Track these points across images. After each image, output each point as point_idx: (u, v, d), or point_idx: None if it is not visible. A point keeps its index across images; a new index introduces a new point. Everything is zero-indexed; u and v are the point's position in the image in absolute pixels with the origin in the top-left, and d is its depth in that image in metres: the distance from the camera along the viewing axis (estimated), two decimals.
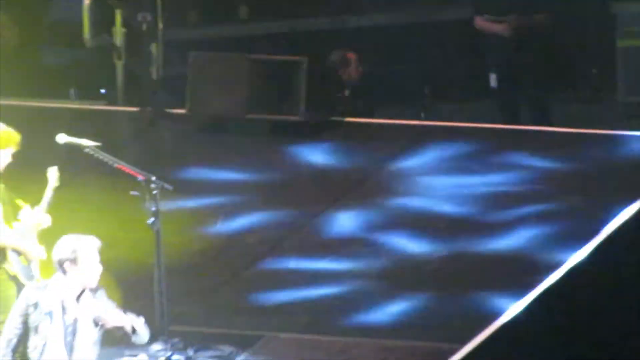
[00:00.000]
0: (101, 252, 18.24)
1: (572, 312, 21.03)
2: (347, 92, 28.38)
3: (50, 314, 17.52)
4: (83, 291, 17.33)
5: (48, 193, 19.29)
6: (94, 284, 17.47)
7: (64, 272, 17.23)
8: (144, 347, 19.45)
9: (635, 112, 31.46)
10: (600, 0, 34.15)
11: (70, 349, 17.63)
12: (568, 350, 21.09)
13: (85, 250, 17.27)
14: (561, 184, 27.69)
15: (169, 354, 20.03)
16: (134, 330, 17.27)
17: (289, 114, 27.11)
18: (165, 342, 20.09)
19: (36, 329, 17.53)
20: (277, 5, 35.17)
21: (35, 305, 17.53)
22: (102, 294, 17.61)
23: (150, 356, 20.04)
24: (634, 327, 17.70)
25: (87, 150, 19.38)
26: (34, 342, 17.46)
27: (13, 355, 17.63)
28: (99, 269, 17.34)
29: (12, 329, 17.47)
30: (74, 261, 17.28)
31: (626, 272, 22.30)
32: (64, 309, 17.52)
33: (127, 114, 28.49)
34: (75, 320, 17.34)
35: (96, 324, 17.67)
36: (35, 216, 19.13)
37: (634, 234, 23.32)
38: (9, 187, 19.33)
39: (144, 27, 29.10)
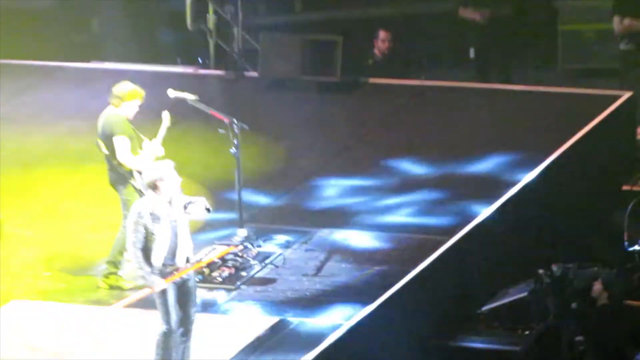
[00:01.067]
0: (200, 173, 21.49)
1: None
2: (370, 62, 28.42)
3: (159, 218, 17.50)
4: (171, 200, 17.59)
5: (162, 130, 19.04)
6: (178, 191, 17.66)
7: (155, 188, 17.20)
8: (229, 238, 19.81)
9: (571, 76, 31.17)
10: None
11: (175, 243, 17.28)
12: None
13: (167, 171, 17.06)
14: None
15: (245, 242, 19.88)
16: (207, 209, 17.16)
17: (330, 75, 27.38)
18: (245, 234, 20.22)
19: (151, 231, 17.46)
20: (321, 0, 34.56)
21: (149, 213, 17.28)
22: (182, 196, 18.62)
23: (234, 243, 19.78)
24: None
25: (189, 101, 19.79)
26: (150, 241, 17.29)
27: (141, 253, 17.06)
28: (179, 180, 17.40)
29: (135, 232, 17.13)
30: (161, 179, 17.26)
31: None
32: (167, 214, 18.17)
33: (217, 76, 28.37)
34: (175, 220, 17.44)
35: (185, 209, 19.47)
36: (153, 147, 19.03)
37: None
38: (135, 127, 19.03)
39: (229, 15, 29.25)
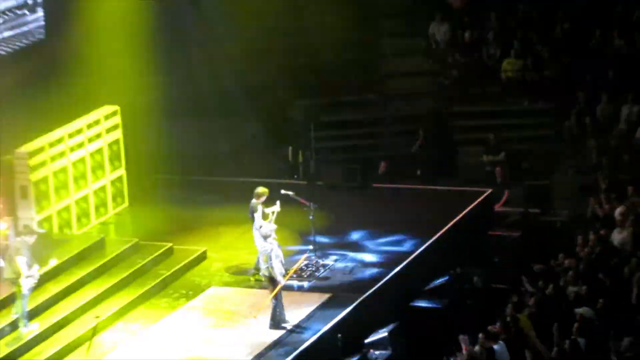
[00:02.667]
0: (295, 228, 29.90)
1: None
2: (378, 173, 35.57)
3: (275, 243, 26.24)
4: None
5: (276, 208, 26.96)
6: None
7: (270, 236, 26.41)
8: (309, 257, 29.02)
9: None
10: None
11: (280, 258, 26.11)
12: None
13: (274, 228, 26.36)
14: None
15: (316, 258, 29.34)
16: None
17: (354, 182, 34.42)
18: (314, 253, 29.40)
19: (277, 253, 26.23)
20: None
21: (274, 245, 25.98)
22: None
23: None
24: None
25: (290, 195, 28.84)
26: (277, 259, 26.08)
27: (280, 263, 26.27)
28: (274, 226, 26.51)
29: (276, 254, 25.88)
30: (272, 230, 26.14)
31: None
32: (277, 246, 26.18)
33: (303, 184, 33.52)
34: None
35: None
36: (272, 217, 26.68)
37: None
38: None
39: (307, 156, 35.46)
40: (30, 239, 25.62)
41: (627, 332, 22.90)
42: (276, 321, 26.04)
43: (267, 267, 25.95)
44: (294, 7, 35.77)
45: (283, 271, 26.04)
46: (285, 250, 27.95)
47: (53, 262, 26.18)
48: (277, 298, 25.92)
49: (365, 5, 37.40)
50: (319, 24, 35.84)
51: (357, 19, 37.25)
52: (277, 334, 25.65)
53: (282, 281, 25.88)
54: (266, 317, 26.06)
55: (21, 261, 24.73)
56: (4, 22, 31.59)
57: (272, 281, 25.94)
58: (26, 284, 24.81)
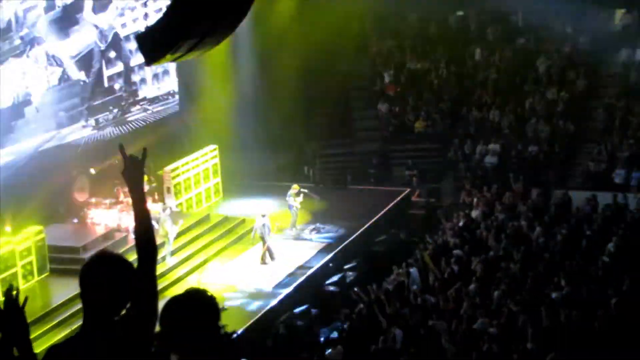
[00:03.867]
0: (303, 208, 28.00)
1: None
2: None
3: (268, 227, 25.30)
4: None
5: (299, 199, 27.02)
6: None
7: (264, 216, 25.30)
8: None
9: None
10: None
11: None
12: None
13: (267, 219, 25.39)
14: None
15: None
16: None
17: (343, 185, 32.37)
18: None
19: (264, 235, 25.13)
20: None
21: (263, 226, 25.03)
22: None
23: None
24: None
25: (307, 192, 27.92)
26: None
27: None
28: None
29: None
30: (264, 216, 25.20)
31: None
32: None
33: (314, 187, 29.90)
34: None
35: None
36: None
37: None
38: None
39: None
40: (171, 213, 25.99)
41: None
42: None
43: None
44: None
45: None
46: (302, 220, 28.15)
47: (180, 224, 26.10)
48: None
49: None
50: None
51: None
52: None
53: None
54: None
55: (168, 225, 25.23)
56: (158, 103, 31.14)
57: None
58: (170, 238, 25.32)
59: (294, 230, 27.63)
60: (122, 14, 28.97)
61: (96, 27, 28.10)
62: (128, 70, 29.53)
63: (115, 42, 28.87)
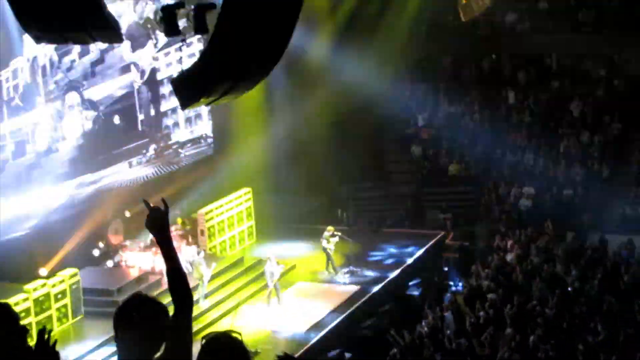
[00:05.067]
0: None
1: None
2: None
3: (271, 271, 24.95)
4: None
5: (334, 241, 27.14)
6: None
7: (271, 260, 25.10)
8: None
9: None
10: None
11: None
12: None
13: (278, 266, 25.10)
14: None
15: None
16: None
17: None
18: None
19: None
20: None
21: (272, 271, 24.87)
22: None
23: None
24: None
25: (342, 236, 27.40)
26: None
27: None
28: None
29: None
30: (270, 259, 25.15)
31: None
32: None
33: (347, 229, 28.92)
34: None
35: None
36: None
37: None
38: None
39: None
40: (205, 256, 26.19)
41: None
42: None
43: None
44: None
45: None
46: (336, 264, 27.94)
47: (213, 267, 26.20)
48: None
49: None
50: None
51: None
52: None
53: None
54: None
55: (202, 268, 25.32)
56: (190, 146, 31.35)
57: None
58: (204, 280, 25.31)
59: (331, 272, 27.56)
60: (156, 59, 29.16)
61: (130, 71, 28.33)
62: (161, 114, 29.77)
63: (149, 86, 29.09)
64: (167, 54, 29.19)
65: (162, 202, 5.65)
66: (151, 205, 5.64)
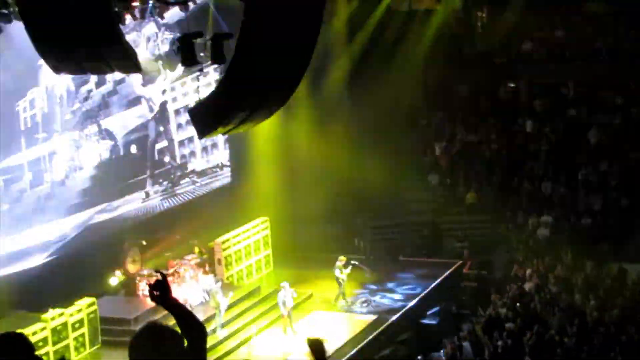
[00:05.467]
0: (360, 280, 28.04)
1: None
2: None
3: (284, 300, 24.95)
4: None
5: (346, 272, 26.75)
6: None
7: (285, 288, 25.01)
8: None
9: None
10: None
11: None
12: None
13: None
14: None
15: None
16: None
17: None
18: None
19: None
20: None
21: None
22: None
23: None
24: None
25: (356, 263, 27.31)
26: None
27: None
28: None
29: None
30: (286, 288, 25.00)
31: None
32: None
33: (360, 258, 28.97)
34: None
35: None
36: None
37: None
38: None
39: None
40: (222, 285, 26.19)
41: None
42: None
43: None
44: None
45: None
46: (352, 292, 27.94)
47: (230, 296, 26.08)
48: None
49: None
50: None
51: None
52: None
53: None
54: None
55: (219, 297, 25.22)
56: (207, 175, 31.39)
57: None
58: (221, 310, 25.23)
59: (342, 302, 27.36)
60: (173, 88, 29.29)
61: (146, 101, 28.52)
62: (178, 144, 29.88)
63: (166, 116, 29.32)
64: (183, 84, 29.28)
65: (160, 273, 5.71)
66: (158, 273, 5.73)
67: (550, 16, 34.60)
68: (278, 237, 30.33)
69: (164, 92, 29.18)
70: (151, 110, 28.90)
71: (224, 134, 10.74)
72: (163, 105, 29.29)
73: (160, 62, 28.09)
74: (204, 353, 5.34)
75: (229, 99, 9.64)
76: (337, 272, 27.11)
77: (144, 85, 28.40)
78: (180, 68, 26.90)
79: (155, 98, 28.97)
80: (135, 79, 27.47)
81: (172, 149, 29.88)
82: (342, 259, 27.26)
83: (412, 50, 33.20)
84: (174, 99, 29.42)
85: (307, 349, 5.66)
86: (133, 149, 28.22)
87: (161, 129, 29.30)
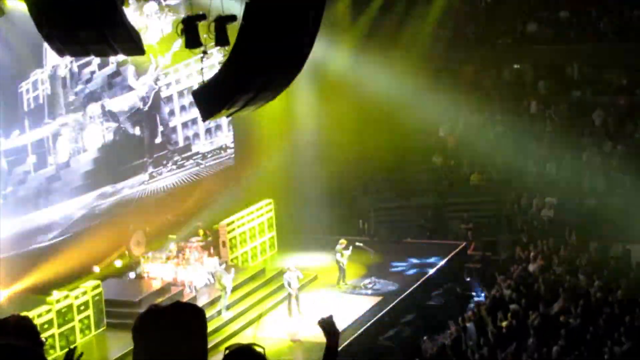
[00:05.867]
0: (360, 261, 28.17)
1: None
2: None
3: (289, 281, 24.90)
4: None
5: (347, 254, 26.44)
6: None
7: (291, 269, 24.96)
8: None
9: None
10: None
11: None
12: None
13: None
14: None
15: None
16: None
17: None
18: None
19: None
20: None
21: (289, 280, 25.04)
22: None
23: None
24: None
25: (361, 245, 27.67)
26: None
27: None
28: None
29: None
30: (290, 269, 24.89)
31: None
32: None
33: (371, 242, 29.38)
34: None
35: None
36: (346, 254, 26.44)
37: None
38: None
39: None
40: (226, 267, 26.34)
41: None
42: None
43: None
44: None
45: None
46: (356, 274, 27.91)
47: (233, 275, 25.82)
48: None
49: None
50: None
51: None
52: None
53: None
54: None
55: (224, 279, 25.23)
56: (211, 157, 31.40)
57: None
58: (226, 293, 25.25)
59: (344, 284, 27.32)
60: (176, 69, 29.15)
61: (149, 82, 28.39)
62: (181, 125, 29.79)
63: (169, 97, 29.16)
64: (187, 65, 28.96)
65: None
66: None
67: None
68: (282, 219, 30.31)
69: (165, 75, 29.01)
70: (155, 91, 28.69)
71: (227, 116, 10.65)
72: (168, 85, 29.08)
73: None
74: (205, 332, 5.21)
75: (233, 81, 9.60)
76: (337, 256, 27.07)
77: (146, 69, 28.20)
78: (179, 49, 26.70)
79: (160, 79, 28.82)
80: (137, 60, 27.24)
81: (176, 131, 29.74)
82: (343, 242, 27.19)
83: (417, 32, 33.11)
84: (178, 81, 29.21)
85: (319, 330, 5.54)
86: (137, 130, 28.16)
87: (165, 110, 29.16)
